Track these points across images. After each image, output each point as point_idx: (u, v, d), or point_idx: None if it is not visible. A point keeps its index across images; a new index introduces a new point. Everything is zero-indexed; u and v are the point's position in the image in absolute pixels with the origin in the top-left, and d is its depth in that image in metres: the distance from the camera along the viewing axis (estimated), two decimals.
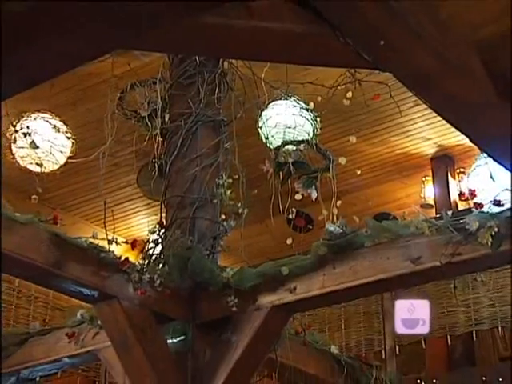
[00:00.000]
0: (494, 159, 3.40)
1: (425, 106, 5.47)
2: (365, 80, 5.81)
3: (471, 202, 4.42)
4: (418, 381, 6.63)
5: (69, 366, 5.88)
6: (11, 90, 2.78)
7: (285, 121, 5.52)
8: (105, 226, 5.14)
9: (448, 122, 3.11)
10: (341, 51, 2.58)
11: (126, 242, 5.22)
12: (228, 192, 5.42)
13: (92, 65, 6.15)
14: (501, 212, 4.11)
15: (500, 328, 6.65)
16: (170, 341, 4.95)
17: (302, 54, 2.90)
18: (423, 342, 6.83)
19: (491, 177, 5.41)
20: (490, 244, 4.04)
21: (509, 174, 3.50)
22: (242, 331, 4.82)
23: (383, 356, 6.83)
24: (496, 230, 4.03)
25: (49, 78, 2.72)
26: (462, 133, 3.20)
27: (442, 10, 2.45)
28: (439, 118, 3.50)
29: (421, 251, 4.31)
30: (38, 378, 6.00)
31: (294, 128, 5.49)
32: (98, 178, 5.72)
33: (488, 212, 4.17)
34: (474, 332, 6.68)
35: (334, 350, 5.98)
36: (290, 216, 6.19)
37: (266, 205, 5.09)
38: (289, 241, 5.40)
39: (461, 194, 7.65)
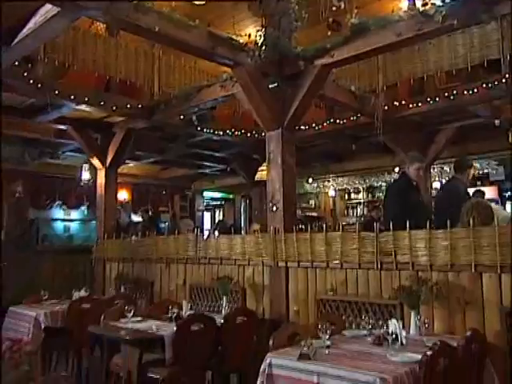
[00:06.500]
0: None
1: None
2: None
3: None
4: None
5: (221, 101, 5.62)
6: None
7: None
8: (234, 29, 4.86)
9: None
10: None
11: (245, 35, 4.83)
12: (296, 7, 4.90)
13: None
14: (447, 3, 3.58)
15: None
16: (270, 86, 4.80)
17: None
18: (398, 83, 5.94)
19: None
20: (440, 21, 3.57)
21: None
22: (306, 78, 4.58)
23: (377, 91, 5.90)
24: (444, 12, 3.55)
25: None
26: None
27: None
28: None
29: (401, 29, 3.87)
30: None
31: None
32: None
33: (437, 4, 3.64)
34: (424, 76, 5.63)
35: (353, 88, 5.69)
36: (329, 21, 5.75)
37: (317, 14, 4.58)
38: (329, 33, 4.95)
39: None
